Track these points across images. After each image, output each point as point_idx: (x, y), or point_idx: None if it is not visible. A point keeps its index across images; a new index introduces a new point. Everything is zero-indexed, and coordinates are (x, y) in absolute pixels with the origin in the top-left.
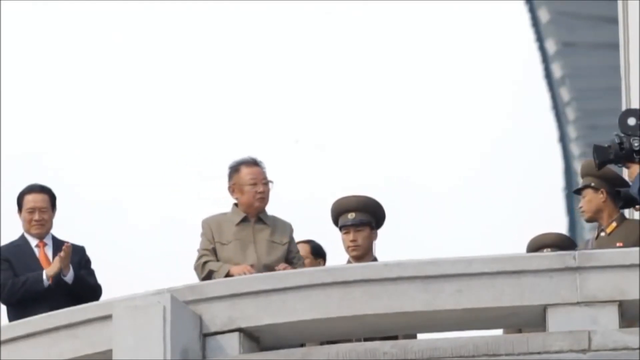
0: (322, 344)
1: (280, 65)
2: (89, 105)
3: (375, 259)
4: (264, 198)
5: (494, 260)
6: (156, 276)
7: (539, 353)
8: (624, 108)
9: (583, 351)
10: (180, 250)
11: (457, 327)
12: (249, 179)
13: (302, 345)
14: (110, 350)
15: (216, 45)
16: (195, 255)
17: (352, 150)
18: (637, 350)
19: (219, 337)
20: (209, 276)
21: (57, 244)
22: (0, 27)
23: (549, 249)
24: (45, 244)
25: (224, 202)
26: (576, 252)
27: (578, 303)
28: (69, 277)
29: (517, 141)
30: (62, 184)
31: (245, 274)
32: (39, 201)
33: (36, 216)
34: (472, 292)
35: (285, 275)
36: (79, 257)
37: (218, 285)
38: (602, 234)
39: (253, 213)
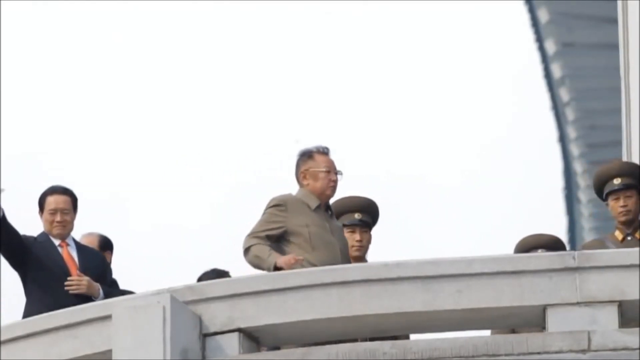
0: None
1: (281, 66)
2: (89, 106)
3: (365, 261)
4: (335, 187)
5: (494, 260)
6: (156, 276)
7: (538, 353)
8: (623, 108)
9: (583, 351)
10: (180, 251)
11: (457, 328)
12: (324, 166)
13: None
14: (110, 351)
15: (216, 46)
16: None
17: (352, 150)
18: (637, 351)
19: (218, 337)
20: (253, 261)
21: (79, 246)
22: (0, 27)
23: (543, 250)
24: (67, 244)
25: (224, 202)
26: (575, 252)
27: (578, 303)
28: (100, 298)
29: (516, 141)
30: (62, 184)
31: (293, 263)
32: (61, 202)
33: (58, 217)
34: (472, 292)
35: (285, 275)
36: (97, 263)
37: (218, 286)
38: (629, 238)
39: (323, 201)
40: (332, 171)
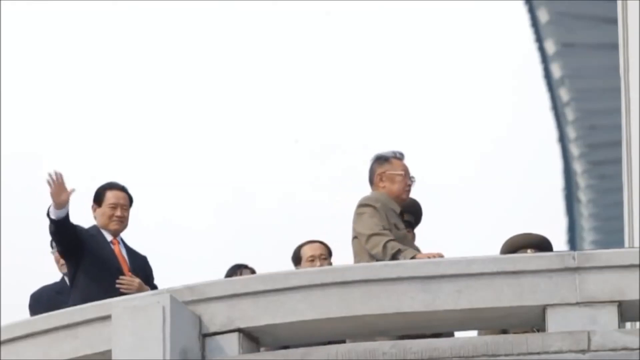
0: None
1: (281, 65)
2: (89, 106)
3: None
4: (409, 192)
5: (494, 260)
6: (155, 276)
7: (538, 353)
8: (623, 108)
9: (582, 351)
10: (180, 251)
11: (457, 328)
12: (400, 170)
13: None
14: (110, 351)
15: (216, 45)
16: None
17: (352, 150)
18: (637, 351)
19: (218, 337)
20: (395, 256)
21: (127, 247)
22: (0, 27)
23: (532, 250)
24: (118, 242)
25: (225, 202)
26: (575, 252)
27: (577, 303)
28: None
29: (516, 141)
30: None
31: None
32: (121, 198)
33: (118, 212)
34: (471, 293)
35: (285, 276)
36: (144, 265)
37: (217, 286)
38: None
39: (400, 205)
40: (407, 175)
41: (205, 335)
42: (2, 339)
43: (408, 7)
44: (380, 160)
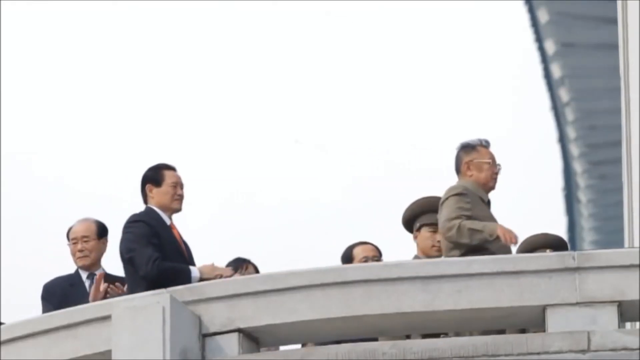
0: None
1: (281, 65)
2: (90, 106)
3: None
4: (496, 180)
5: (494, 260)
6: None
7: (538, 354)
8: (623, 108)
9: (582, 351)
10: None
11: (457, 328)
12: (488, 158)
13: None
14: (110, 351)
15: (216, 46)
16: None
17: (352, 150)
18: (637, 351)
19: (218, 337)
20: (470, 237)
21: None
22: (0, 27)
23: (549, 250)
24: (175, 226)
25: (223, 202)
26: (575, 253)
27: (577, 303)
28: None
29: (516, 141)
30: (60, 182)
31: (509, 240)
32: (179, 178)
33: (179, 191)
34: (471, 293)
35: (285, 276)
36: (190, 250)
37: (217, 286)
38: None
39: (488, 193)
40: (494, 163)
41: (205, 336)
42: (2, 339)
43: (408, 7)
44: (467, 148)
